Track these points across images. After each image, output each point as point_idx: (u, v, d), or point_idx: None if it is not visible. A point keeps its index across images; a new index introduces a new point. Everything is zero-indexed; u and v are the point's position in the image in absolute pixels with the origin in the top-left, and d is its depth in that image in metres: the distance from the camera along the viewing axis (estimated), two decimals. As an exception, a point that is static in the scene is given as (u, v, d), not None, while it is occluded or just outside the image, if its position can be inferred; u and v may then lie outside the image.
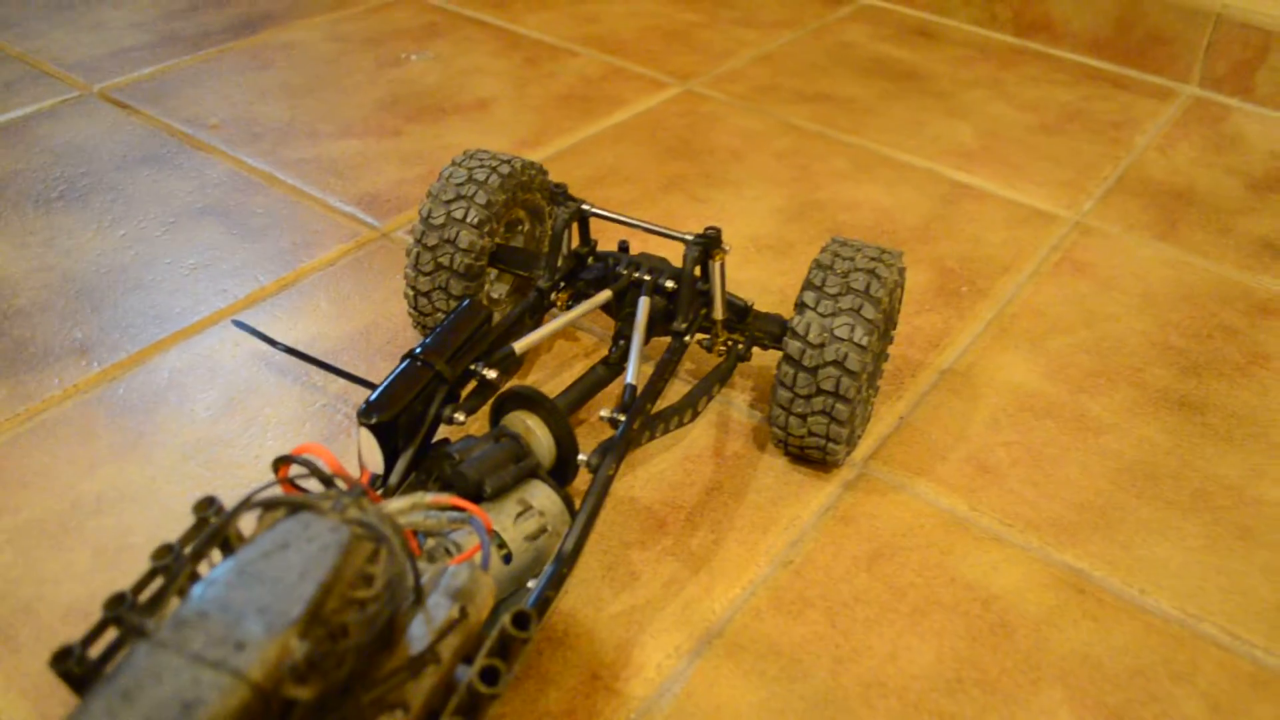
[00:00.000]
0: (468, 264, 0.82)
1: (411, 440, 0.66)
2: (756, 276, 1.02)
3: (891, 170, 1.21)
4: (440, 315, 0.85)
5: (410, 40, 1.48)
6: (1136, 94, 1.42)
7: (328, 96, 1.32)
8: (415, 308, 0.86)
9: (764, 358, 0.91)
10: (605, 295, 0.82)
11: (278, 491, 0.55)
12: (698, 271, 0.81)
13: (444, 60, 1.42)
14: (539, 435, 0.67)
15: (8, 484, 0.77)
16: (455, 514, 0.55)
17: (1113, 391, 0.90)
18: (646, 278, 0.82)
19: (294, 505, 0.45)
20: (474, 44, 1.47)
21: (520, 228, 0.91)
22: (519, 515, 0.62)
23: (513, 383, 0.86)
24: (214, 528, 0.47)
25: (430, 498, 0.54)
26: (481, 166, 0.84)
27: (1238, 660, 0.68)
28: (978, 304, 1.00)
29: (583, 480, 0.76)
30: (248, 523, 0.59)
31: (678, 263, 0.84)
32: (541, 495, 0.63)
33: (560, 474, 0.69)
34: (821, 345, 0.73)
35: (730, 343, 0.83)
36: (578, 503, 0.65)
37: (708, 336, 0.83)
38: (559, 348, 0.92)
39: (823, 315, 0.73)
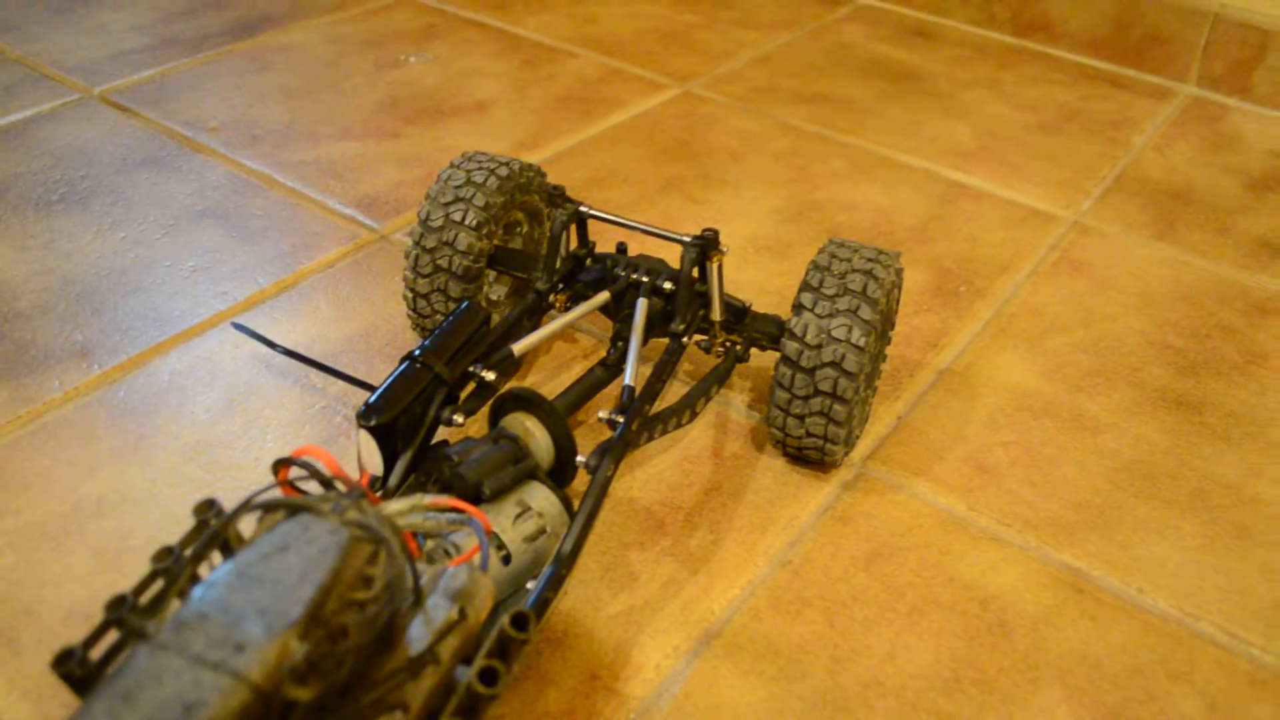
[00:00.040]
0: (466, 266, 0.82)
1: (411, 442, 0.66)
2: (755, 277, 1.02)
3: (889, 170, 1.21)
4: (439, 317, 0.85)
5: (409, 42, 1.48)
6: (1134, 93, 1.42)
7: (327, 99, 1.32)
8: (414, 310, 0.86)
9: (762, 358, 0.92)
10: (603, 297, 0.82)
11: (277, 494, 0.55)
12: (696, 273, 0.81)
13: (443, 62, 1.43)
14: (538, 437, 0.67)
15: (9, 486, 0.77)
16: (454, 515, 0.55)
17: (1111, 391, 0.90)
18: (644, 279, 0.82)
19: (293, 507, 0.45)
20: (473, 46, 1.47)
21: (519, 229, 0.92)
22: (518, 517, 0.62)
23: (511, 384, 0.86)
24: (214, 530, 0.47)
25: (429, 499, 0.55)
26: (480, 169, 0.84)
27: (1235, 659, 0.68)
28: (976, 304, 1.00)
29: (581, 481, 0.76)
30: (248, 525, 0.60)
31: (676, 264, 0.84)
32: (540, 496, 0.64)
33: (559, 475, 0.69)
34: (819, 346, 0.73)
35: (728, 344, 0.83)
36: (576, 504, 0.65)
37: (706, 338, 0.83)
38: (557, 349, 0.93)
39: (820, 316, 0.73)
